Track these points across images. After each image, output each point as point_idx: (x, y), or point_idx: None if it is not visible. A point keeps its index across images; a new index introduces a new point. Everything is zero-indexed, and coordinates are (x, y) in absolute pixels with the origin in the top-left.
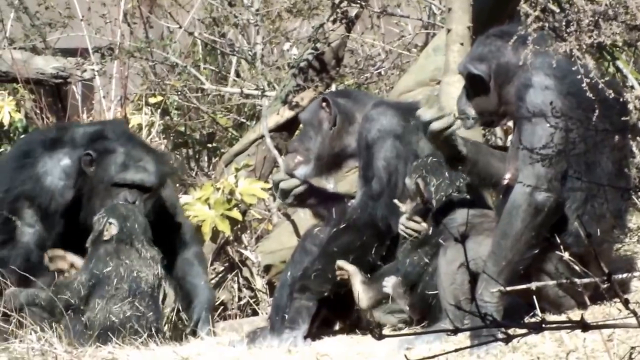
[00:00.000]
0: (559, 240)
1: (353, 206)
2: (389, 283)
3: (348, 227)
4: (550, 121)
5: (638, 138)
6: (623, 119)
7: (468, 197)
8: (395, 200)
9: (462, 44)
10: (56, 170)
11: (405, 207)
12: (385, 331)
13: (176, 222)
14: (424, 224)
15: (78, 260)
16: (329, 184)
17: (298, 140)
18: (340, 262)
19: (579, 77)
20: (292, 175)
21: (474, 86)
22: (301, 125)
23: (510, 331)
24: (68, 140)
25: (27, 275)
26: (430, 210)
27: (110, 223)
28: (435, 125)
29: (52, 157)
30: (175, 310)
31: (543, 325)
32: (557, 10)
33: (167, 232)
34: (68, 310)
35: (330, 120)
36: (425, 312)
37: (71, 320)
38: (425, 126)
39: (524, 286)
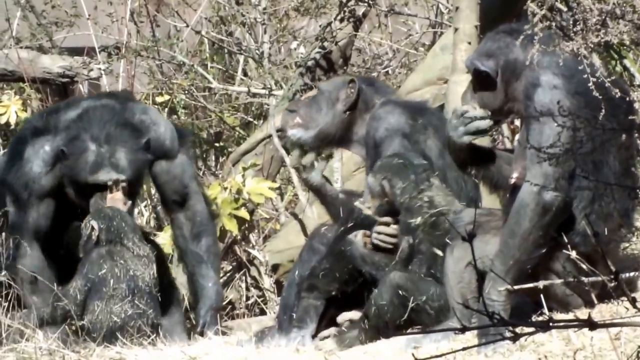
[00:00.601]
0: (566, 240)
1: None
2: (344, 318)
3: (356, 226)
4: (558, 120)
5: None
6: (630, 117)
7: (432, 193)
8: (357, 203)
9: (469, 43)
10: (36, 157)
11: (365, 206)
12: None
13: (188, 208)
14: (395, 226)
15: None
16: (336, 182)
17: (305, 105)
18: (343, 315)
19: (586, 76)
20: (284, 132)
21: (480, 82)
22: (315, 91)
23: (518, 330)
24: (52, 128)
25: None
26: (395, 213)
27: (93, 227)
28: (482, 124)
29: (35, 145)
30: (182, 310)
31: (550, 324)
32: (565, 9)
33: (178, 217)
34: (67, 319)
35: (348, 102)
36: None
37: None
38: (463, 121)
39: (531, 285)
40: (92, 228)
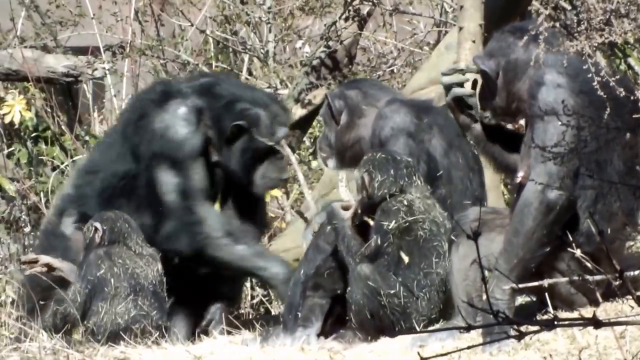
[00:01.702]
0: (570, 238)
1: None
2: None
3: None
4: (562, 119)
5: None
6: (634, 116)
7: (413, 197)
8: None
9: (474, 42)
10: (176, 120)
11: (347, 208)
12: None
13: (252, 207)
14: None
15: (54, 261)
16: (340, 183)
17: (321, 138)
18: None
19: (590, 75)
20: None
21: (486, 82)
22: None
23: (523, 328)
24: (176, 92)
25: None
26: (375, 207)
27: (96, 228)
28: (445, 80)
29: (168, 110)
30: None
31: (555, 323)
32: (569, 8)
33: (241, 209)
34: (67, 323)
35: (336, 116)
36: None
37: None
38: (445, 88)
39: (535, 283)
40: (96, 229)
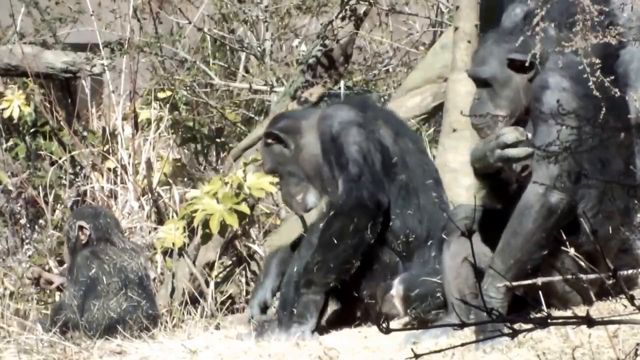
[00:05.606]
0: (567, 238)
1: (337, 195)
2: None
3: (337, 214)
4: (566, 122)
5: None
6: (629, 116)
7: None
8: None
9: (469, 42)
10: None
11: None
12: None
13: None
14: None
15: (51, 276)
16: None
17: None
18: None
19: (586, 75)
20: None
21: (486, 91)
22: None
23: (516, 326)
24: None
25: None
26: None
27: (81, 227)
28: (513, 152)
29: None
30: (183, 304)
31: (549, 321)
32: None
33: None
34: (67, 328)
35: (286, 146)
36: None
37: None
38: (501, 146)
39: (529, 281)
40: (81, 228)
